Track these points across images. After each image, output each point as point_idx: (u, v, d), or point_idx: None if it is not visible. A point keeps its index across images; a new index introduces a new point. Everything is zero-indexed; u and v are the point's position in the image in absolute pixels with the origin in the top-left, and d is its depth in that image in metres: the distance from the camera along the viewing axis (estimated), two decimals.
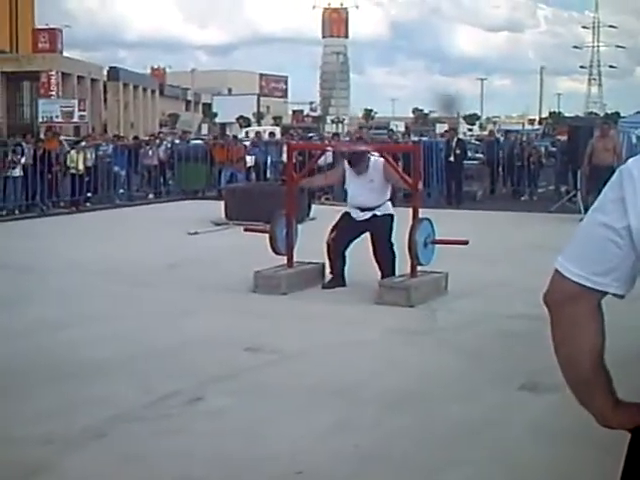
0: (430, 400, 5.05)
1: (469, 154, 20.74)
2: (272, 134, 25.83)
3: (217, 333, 6.58)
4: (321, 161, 10.93)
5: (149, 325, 6.91)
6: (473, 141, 30.70)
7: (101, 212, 16.75)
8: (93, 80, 53.50)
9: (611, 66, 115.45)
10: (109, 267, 9.55)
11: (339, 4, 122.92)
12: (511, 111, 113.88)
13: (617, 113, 64.83)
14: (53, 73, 49.01)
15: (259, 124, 63.25)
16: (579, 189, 16.05)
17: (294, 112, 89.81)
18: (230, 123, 61.92)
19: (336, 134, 31.17)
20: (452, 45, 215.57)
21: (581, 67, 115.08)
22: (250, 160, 21.38)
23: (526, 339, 6.14)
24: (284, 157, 17.28)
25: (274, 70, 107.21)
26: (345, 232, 8.36)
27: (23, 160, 16.11)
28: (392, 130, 29.24)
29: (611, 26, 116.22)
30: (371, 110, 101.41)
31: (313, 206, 14.60)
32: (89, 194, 17.78)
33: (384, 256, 8.23)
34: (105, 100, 56.35)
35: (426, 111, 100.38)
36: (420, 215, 8.10)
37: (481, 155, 22.81)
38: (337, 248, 8.37)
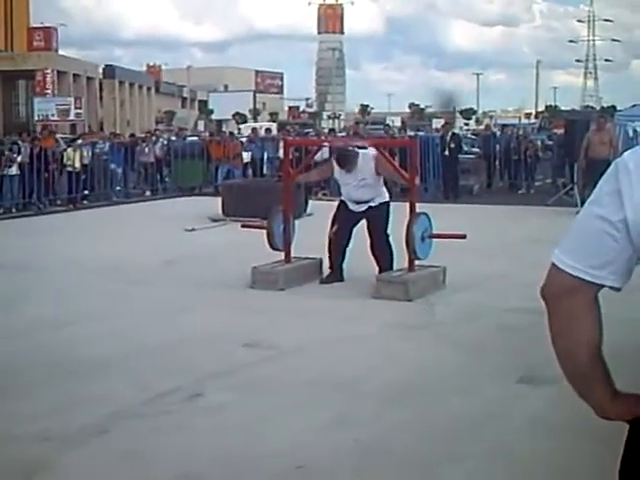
0: (429, 394, 5.06)
1: (465, 148, 20.72)
2: (268, 130, 25.74)
3: (215, 329, 6.59)
4: (318, 157, 10.92)
5: (147, 322, 6.91)
6: (470, 135, 30.66)
7: (98, 210, 16.75)
8: (89, 78, 53.40)
9: (607, 60, 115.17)
10: (106, 264, 9.55)
11: (334, 0, 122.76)
12: (507, 105, 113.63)
13: (613, 106, 64.73)
14: (49, 71, 48.86)
15: (255, 120, 63.22)
16: (576, 182, 16.05)
17: (290, 108, 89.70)
18: (226, 120, 61.87)
19: (332, 130, 31.10)
20: (448, 40, 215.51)
21: (577, 61, 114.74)
22: (247, 156, 21.39)
23: (524, 332, 6.14)
24: (280, 153, 17.28)
25: (270, 66, 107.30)
26: (345, 224, 8.37)
27: (19, 158, 16.12)
28: (388, 125, 29.34)
29: (606, 20, 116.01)
30: (367, 105, 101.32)
31: (310, 202, 14.61)
32: (86, 192, 17.79)
33: (381, 250, 8.24)
34: (101, 98, 56.27)
35: (422, 106, 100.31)
36: (417, 210, 8.11)
37: (478, 149, 22.81)
38: (339, 242, 8.38)
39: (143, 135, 23.75)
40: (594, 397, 1.68)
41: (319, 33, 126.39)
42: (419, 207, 8.21)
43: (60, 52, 54.72)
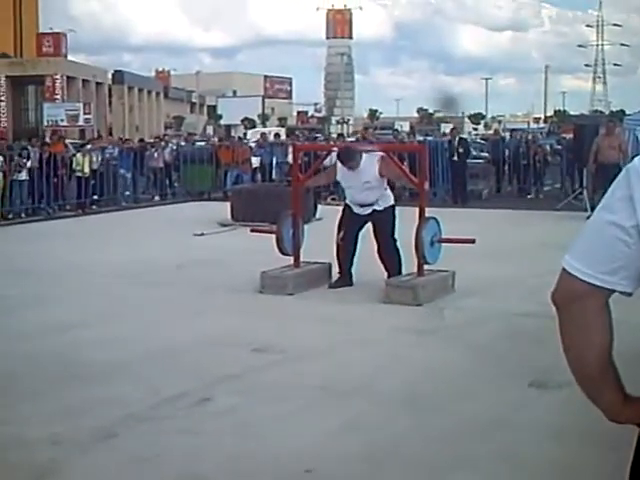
0: (438, 398, 5.05)
1: (474, 153, 20.68)
2: (277, 135, 25.77)
3: (224, 334, 6.59)
4: (327, 162, 10.93)
5: (155, 326, 6.92)
6: (478, 140, 30.65)
7: (107, 215, 16.78)
8: (98, 83, 53.54)
9: (615, 64, 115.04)
10: (115, 269, 9.57)
11: (343, 5, 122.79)
12: (516, 110, 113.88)
13: (622, 111, 64.58)
14: (58, 77, 49.04)
15: (264, 125, 63.23)
16: (585, 187, 16.03)
17: (299, 113, 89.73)
18: (235, 125, 61.94)
19: (341, 135, 31.12)
20: (456, 45, 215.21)
21: (586, 65, 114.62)
22: (256, 161, 21.41)
23: (534, 337, 6.14)
24: (289, 158, 17.30)
25: (278, 72, 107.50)
26: (352, 229, 8.36)
27: (29, 164, 16.15)
28: (397, 130, 29.23)
29: (615, 24, 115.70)
30: (376, 110, 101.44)
31: (319, 206, 14.62)
32: (95, 197, 17.83)
33: (389, 255, 8.24)
34: (110, 103, 56.42)
35: (431, 111, 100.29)
36: (426, 214, 8.10)
37: (486, 154, 22.79)
38: (347, 248, 8.37)
39: (152, 140, 23.80)
40: (604, 401, 1.67)
41: (327, 38, 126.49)
42: (428, 211, 8.20)
43: (69, 58, 54.89)
